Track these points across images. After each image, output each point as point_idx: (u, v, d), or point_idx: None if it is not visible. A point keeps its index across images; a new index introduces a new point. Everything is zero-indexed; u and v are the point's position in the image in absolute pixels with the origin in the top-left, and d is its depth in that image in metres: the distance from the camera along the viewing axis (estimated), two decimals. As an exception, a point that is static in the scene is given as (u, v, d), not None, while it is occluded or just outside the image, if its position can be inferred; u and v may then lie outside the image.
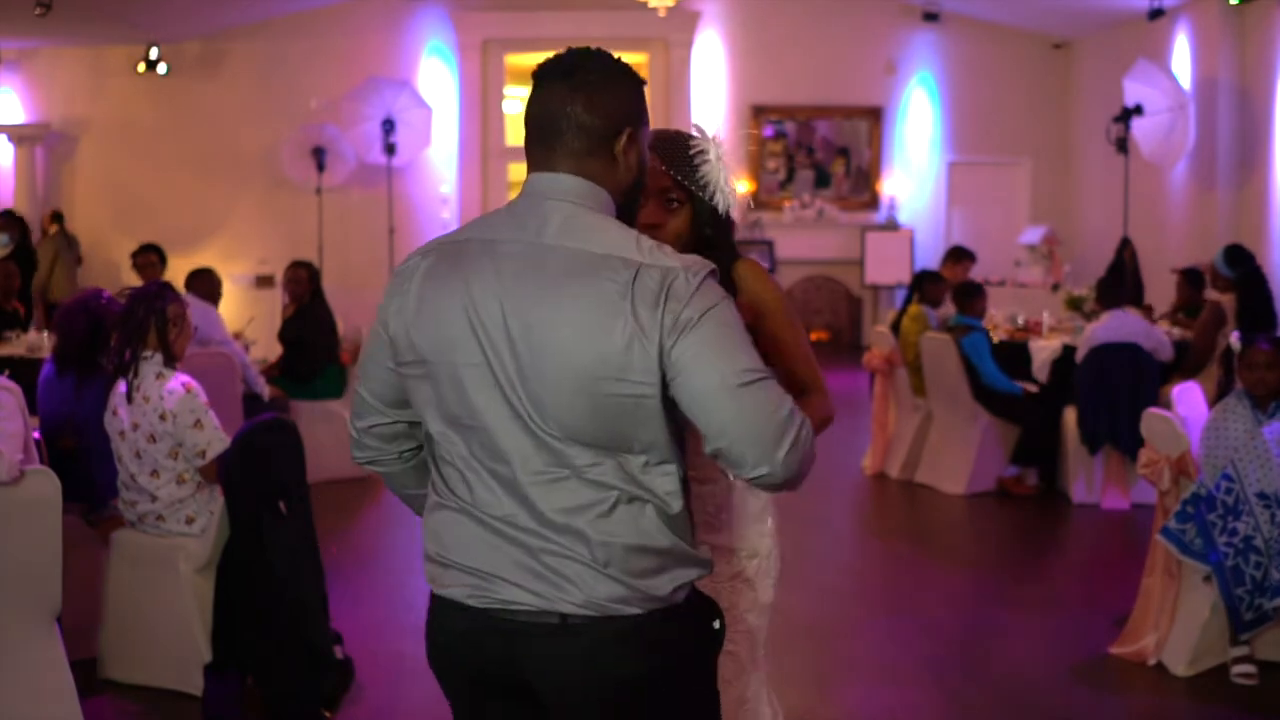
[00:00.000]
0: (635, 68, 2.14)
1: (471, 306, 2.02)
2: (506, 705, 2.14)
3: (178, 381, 4.50)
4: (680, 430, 2.03)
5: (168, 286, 4.74)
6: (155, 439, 4.50)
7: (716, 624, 2.16)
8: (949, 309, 8.30)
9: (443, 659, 2.16)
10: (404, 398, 2.16)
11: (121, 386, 4.58)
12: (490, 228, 2.09)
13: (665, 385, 1.96)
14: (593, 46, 2.15)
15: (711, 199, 2.57)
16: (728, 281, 2.55)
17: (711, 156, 2.56)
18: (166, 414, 4.47)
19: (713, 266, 2.01)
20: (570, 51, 2.11)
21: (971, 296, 8.03)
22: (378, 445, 2.24)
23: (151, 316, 4.55)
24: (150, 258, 8.67)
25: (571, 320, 1.95)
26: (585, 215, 2.04)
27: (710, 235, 2.59)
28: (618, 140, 2.08)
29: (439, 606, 2.15)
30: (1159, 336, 7.62)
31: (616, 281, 1.95)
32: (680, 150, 2.55)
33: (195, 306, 7.49)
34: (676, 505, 2.04)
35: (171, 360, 4.58)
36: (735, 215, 2.62)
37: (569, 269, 1.98)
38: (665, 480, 2.03)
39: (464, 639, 2.11)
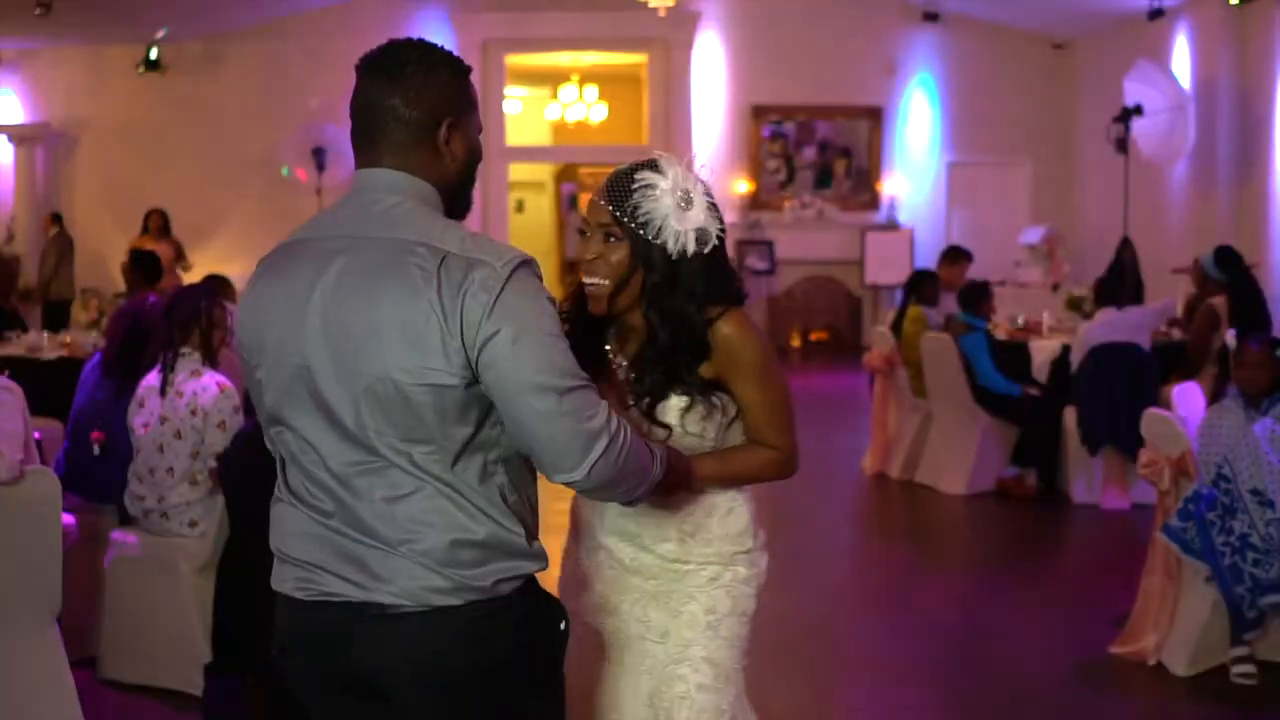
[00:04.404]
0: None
1: (295, 307, 2.03)
2: (354, 703, 2.11)
3: (213, 380, 4.53)
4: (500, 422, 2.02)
5: (216, 289, 4.76)
6: (181, 435, 4.50)
7: (562, 625, 2.16)
8: (949, 307, 8.28)
9: (284, 659, 2.16)
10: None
11: (153, 379, 4.58)
12: (317, 226, 2.14)
13: (476, 379, 1.95)
14: (414, 38, 2.13)
15: (656, 237, 2.36)
16: (703, 344, 2.40)
17: (661, 189, 2.36)
18: (198, 409, 4.48)
19: (526, 258, 1.99)
20: (391, 43, 2.12)
21: (978, 296, 8.02)
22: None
23: (197, 316, 4.58)
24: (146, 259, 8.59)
25: (381, 308, 1.96)
26: (404, 206, 2.05)
27: (657, 282, 2.37)
28: (439, 131, 2.09)
29: (278, 602, 2.15)
30: (1156, 310, 7.63)
31: (423, 268, 1.95)
32: (622, 183, 2.39)
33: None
34: (486, 497, 2.01)
35: (211, 360, 4.60)
36: (701, 249, 2.38)
37: (380, 259, 1.99)
38: (473, 471, 2.01)
39: (296, 634, 2.12)
